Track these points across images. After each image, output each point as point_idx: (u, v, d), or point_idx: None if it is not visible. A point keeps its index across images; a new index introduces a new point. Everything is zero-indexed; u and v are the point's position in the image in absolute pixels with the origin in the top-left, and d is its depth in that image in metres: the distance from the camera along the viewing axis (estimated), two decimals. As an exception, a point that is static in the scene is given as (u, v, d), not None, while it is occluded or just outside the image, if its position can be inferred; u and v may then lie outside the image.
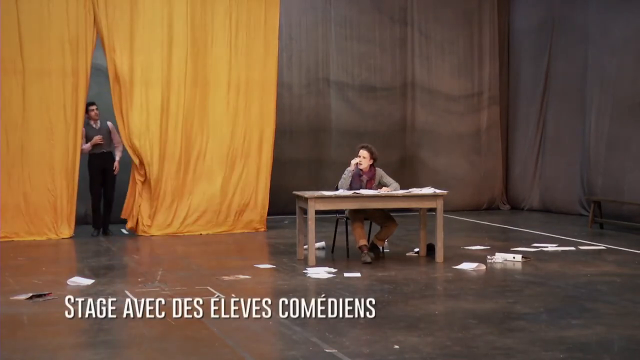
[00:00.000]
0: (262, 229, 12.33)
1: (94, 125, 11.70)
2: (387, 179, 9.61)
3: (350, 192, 9.19)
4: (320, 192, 9.47)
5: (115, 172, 11.74)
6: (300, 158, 14.76)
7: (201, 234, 11.97)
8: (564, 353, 5.40)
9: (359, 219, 9.40)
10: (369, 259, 9.15)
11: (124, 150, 11.84)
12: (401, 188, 9.51)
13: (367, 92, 15.10)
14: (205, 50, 12.05)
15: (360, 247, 9.27)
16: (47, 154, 11.46)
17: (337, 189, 9.44)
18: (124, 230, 12.03)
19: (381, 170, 9.66)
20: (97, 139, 11.60)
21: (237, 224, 12.25)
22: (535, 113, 15.20)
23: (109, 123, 11.82)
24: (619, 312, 6.68)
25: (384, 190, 9.30)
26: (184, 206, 12.04)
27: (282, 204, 13.76)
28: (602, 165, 13.50)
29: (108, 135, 11.76)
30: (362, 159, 9.48)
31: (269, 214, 12.54)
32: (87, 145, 11.61)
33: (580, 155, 14.08)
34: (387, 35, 15.21)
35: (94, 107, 11.69)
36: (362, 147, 9.56)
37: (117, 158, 11.75)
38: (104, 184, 11.74)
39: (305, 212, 9.21)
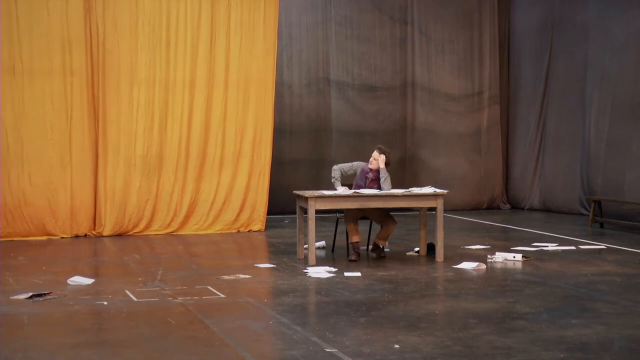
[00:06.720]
0: (261, 229, 12.33)
1: None
2: (382, 174, 9.56)
3: (350, 192, 9.19)
4: (320, 191, 9.46)
5: None
6: (300, 158, 14.76)
7: (201, 234, 11.97)
8: (564, 353, 5.39)
9: (351, 217, 9.39)
10: (354, 257, 9.26)
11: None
12: (402, 187, 9.50)
13: (367, 91, 15.10)
14: (204, 49, 12.05)
15: (352, 244, 9.32)
16: (47, 153, 11.46)
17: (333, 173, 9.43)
18: None
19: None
20: None
21: (235, 223, 12.25)
22: (536, 113, 15.20)
23: None
24: (619, 311, 6.68)
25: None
26: (184, 206, 12.05)
27: (282, 204, 13.78)
28: (602, 165, 13.50)
29: None
30: (378, 160, 9.40)
31: (269, 213, 12.53)
32: None
33: (580, 155, 14.08)
34: (387, 35, 15.21)
35: None
36: (382, 152, 9.39)
37: None
38: None
39: (305, 211, 9.22)
